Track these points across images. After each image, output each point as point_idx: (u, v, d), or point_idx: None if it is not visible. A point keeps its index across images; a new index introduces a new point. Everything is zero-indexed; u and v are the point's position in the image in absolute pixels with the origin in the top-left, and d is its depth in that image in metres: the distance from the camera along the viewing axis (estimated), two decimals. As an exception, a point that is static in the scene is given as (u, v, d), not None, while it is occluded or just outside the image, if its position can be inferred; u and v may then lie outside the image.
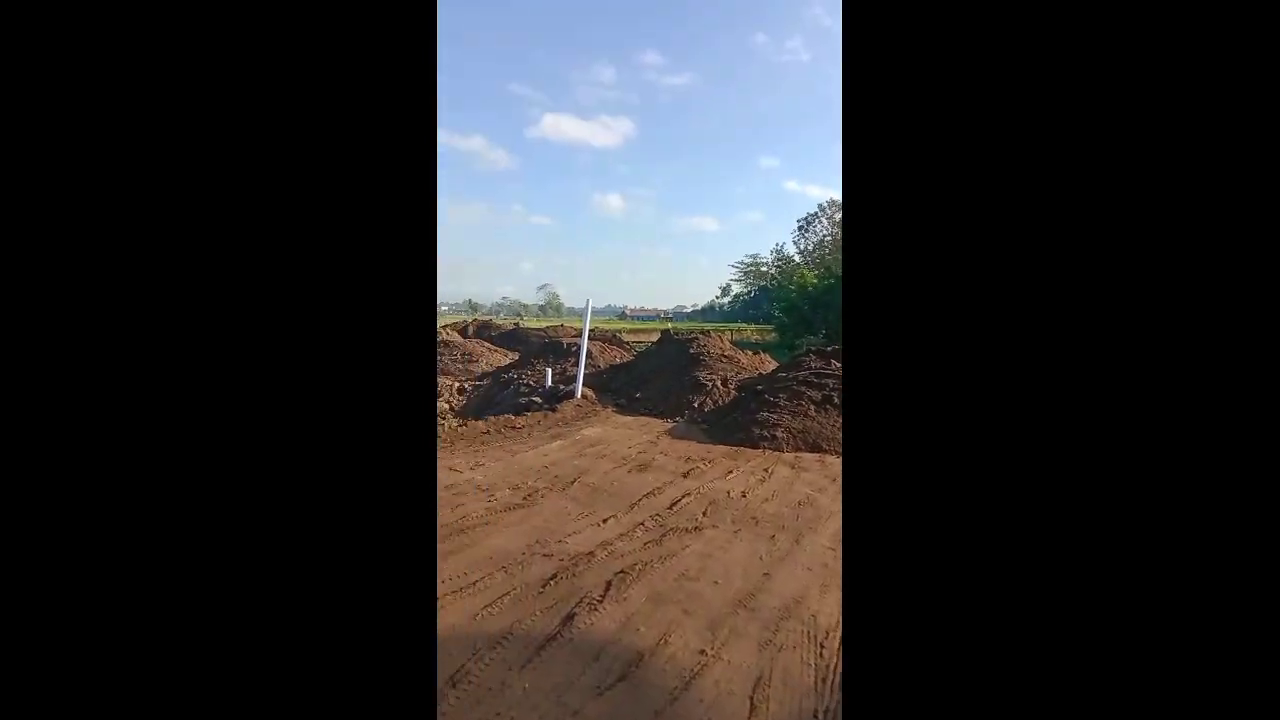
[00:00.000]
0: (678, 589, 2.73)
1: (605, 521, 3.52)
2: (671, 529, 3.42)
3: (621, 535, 3.32)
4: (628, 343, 14.08)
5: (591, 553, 3.06)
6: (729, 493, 4.12)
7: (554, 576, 2.79)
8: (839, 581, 2.84)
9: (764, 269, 48.42)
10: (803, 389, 6.10)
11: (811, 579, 2.86)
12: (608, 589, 2.70)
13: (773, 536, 3.36)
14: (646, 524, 3.50)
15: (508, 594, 2.62)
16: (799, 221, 44.48)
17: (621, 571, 2.86)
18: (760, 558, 3.08)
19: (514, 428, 6.17)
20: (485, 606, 2.50)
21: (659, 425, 6.54)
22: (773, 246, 53.53)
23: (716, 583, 2.80)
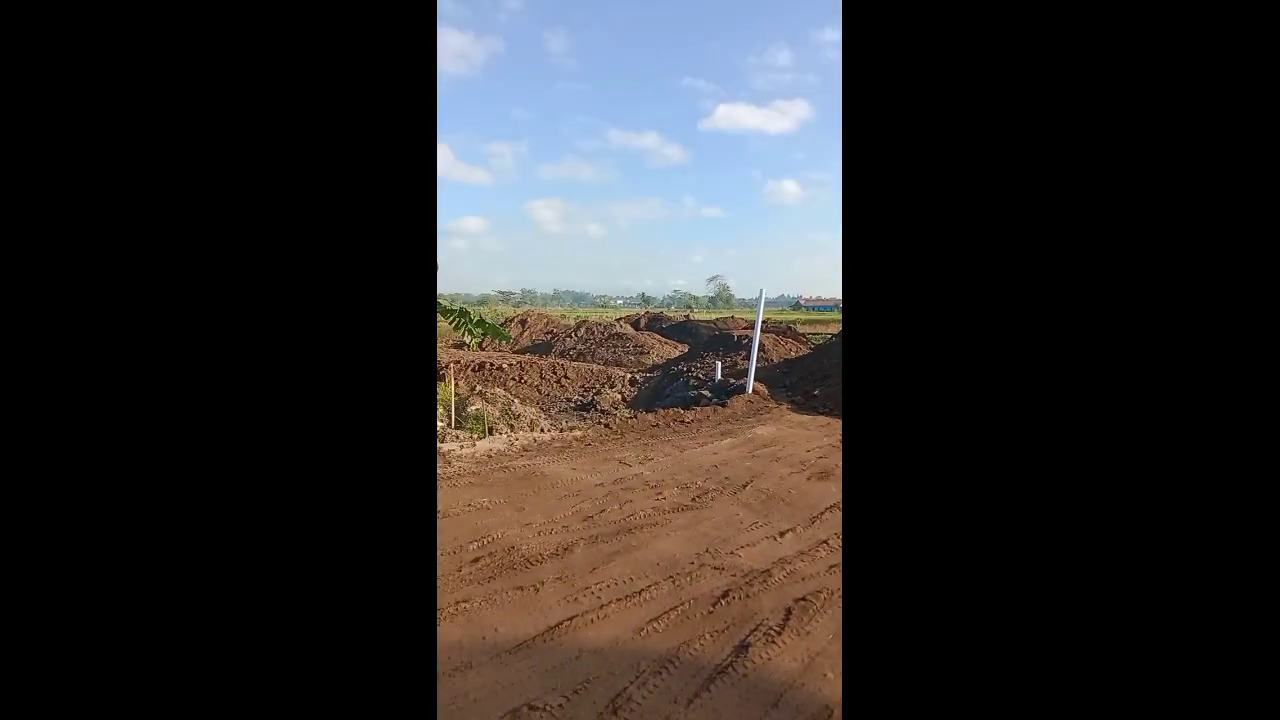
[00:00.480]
0: (873, 629, 2.28)
1: (783, 535, 3.14)
2: (862, 552, 2.93)
3: (801, 554, 2.92)
4: (804, 335, 13.25)
5: (768, 571, 2.72)
6: (933, 514, 3.47)
7: (726, 594, 2.51)
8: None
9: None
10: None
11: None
12: (787, 617, 2.35)
13: (998, 577, 2.70)
14: (831, 543, 3.05)
15: (675, 608, 2.39)
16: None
17: (803, 599, 2.48)
18: (982, 603, 2.47)
19: (683, 422, 6.01)
20: (650, 620, 2.31)
21: (841, 427, 5.90)
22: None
23: (924, 628, 2.29)
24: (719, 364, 8.70)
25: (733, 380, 7.69)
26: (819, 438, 5.40)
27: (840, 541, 3.07)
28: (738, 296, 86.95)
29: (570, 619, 2.30)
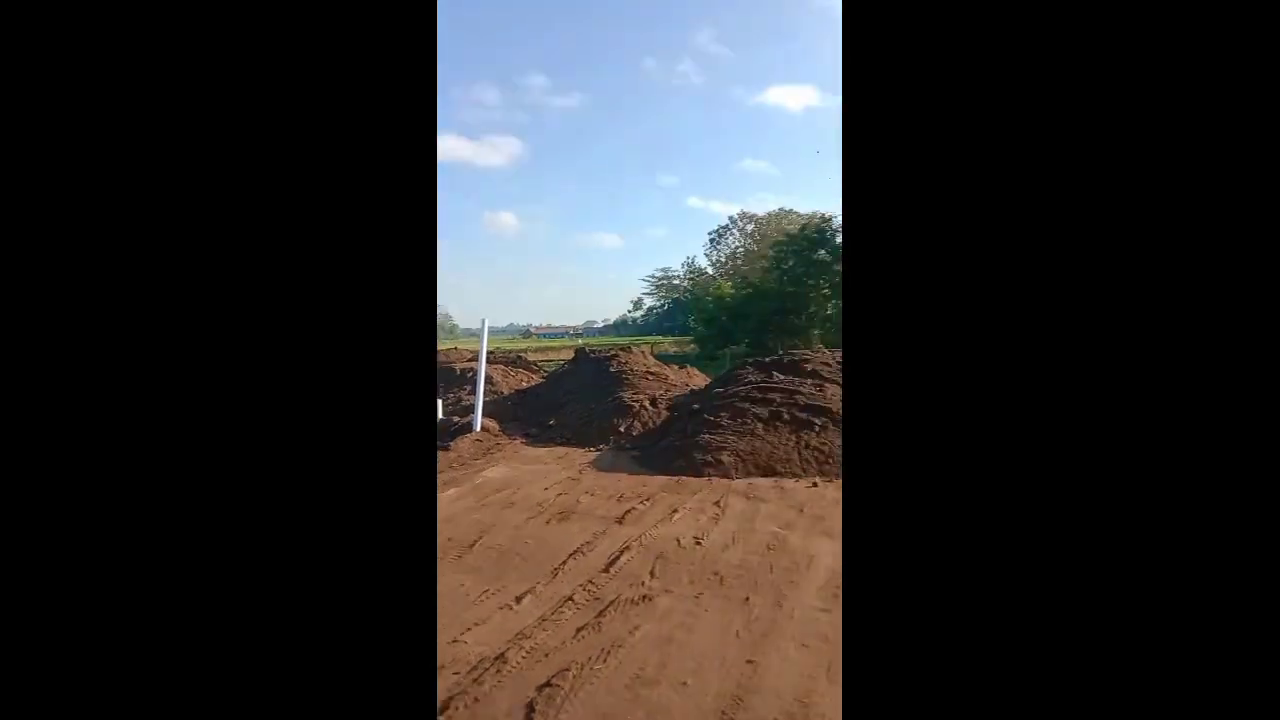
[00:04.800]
0: (633, 701, 1.87)
1: (520, 600, 2.58)
2: (612, 603, 2.54)
3: (543, 620, 2.40)
4: (535, 364, 12.99)
5: (502, 655, 2.12)
6: (679, 540, 3.29)
7: (449, 703, 1.84)
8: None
9: (675, 281, 47.96)
10: (746, 405, 5.41)
11: (813, 662, 2.09)
12: (530, 715, 1.79)
13: (746, 599, 2.57)
14: (577, 598, 2.60)
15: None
16: (710, 234, 43.06)
17: (548, 684, 1.95)
18: (736, 634, 2.28)
19: (398, 472, 5.01)
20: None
21: (580, 456, 5.62)
22: (683, 260, 53.79)
23: (686, 684, 1.97)
24: (440, 402, 7.76)
25: (457, 418, 6.88)
26: (557, 472, 5.01)
27: (588, 594, 2.64)
28: (462, 326, 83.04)
29: None
